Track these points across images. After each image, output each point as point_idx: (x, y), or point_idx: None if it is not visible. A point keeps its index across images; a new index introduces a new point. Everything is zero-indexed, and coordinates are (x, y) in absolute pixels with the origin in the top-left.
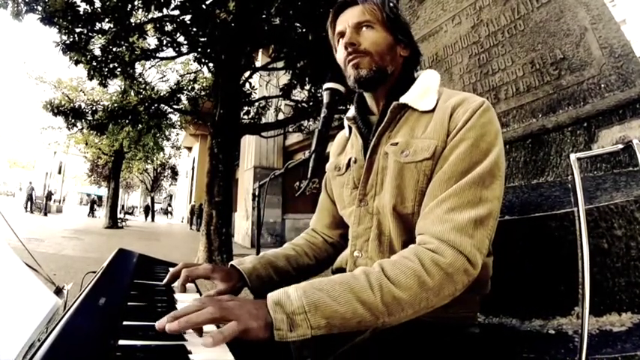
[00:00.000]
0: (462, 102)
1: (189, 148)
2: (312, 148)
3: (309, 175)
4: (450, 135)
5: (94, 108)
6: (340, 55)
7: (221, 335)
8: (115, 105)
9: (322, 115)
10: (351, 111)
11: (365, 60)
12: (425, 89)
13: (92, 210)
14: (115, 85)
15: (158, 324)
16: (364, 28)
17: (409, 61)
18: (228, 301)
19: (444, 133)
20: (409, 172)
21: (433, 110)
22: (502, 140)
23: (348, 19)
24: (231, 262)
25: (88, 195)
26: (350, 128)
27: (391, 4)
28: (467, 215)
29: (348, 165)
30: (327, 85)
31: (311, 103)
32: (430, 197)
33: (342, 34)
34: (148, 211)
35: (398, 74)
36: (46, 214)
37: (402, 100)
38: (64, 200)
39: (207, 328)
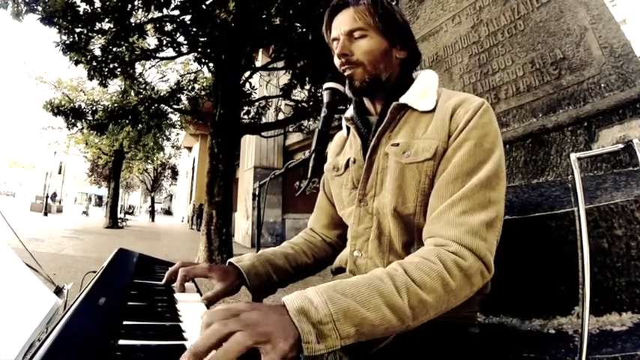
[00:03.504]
0: (463, 102)
1: (190, 148)
2: (312, 147)
3: (309, 175)
4: (452, 135)
5: (94, 108)
6: (336, 61)
7: None
8: (115, 105)
9: (322, 114)
10: (350, 111)
11: (358, 71)
12: (424, 89)
13: None
14: (115, 85)
15: None
16: (357, 36)
17: (407, 62)
18: (249, 313)
19: (445, 133)
20: (410, 172)
21: (433, 110)
22: (502, 141)
23: (340, 24)
24: (230, 260)
25: (87, 195)
26: (348, 128)
27: (385, 6)
28: (479, 218)
29: (347, 165)
30: (327, 84)
31: (311, 103)
32: (437, 199)
33: (337, 39)
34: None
35: (395, 76)
36: (46, 214)
37: (402, 100)
38: (62, 200)
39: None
